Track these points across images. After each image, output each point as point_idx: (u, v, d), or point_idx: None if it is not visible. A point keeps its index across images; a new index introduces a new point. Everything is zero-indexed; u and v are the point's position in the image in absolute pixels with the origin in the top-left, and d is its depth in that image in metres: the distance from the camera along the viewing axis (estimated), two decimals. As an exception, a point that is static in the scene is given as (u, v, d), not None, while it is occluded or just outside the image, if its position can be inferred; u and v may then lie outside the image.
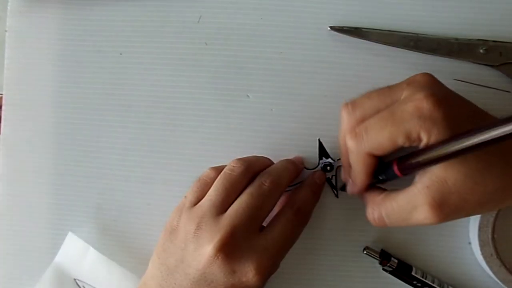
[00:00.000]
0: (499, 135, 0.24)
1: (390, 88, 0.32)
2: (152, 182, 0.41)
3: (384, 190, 0.33)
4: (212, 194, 0.34)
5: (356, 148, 0.31)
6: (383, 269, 0.39)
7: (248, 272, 0.31)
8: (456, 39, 0.39)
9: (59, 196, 0.41)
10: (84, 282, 0.39)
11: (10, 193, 0.42)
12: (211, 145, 0.40)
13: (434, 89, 0.30)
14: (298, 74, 0.40)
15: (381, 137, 0.30)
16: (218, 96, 0.40)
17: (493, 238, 0.37)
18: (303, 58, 0.40)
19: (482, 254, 0.37)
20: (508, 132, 0.24)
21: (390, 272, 0.38)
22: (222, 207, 0.33)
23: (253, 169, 0.35)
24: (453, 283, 0.39)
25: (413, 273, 0.38)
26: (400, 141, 0.29)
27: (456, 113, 0.29)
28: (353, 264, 0.39)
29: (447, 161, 0.28)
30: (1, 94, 0.42)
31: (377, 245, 0.39)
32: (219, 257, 0.31)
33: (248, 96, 0.40)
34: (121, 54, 0.41)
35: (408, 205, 0.30)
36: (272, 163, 0.37)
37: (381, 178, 0.33)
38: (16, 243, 0.41)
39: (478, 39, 0.38)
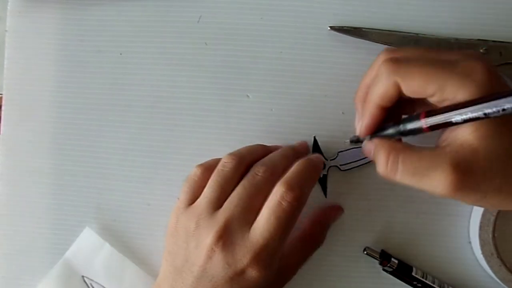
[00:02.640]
0: None
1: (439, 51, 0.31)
2: (152, 182, 0.41)
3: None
4: (208, 192, 0.34)
5: (389, 70, 0.29)
6: (383, 270, 0.38)
7: (245, 264, 0.31)
8: (456, 39, 0.39)
9: (59, 196, 0.41)
10: (92, 279, 0.39)
11: (10, 193, 0.41)
12: (211, 145, 0.40)
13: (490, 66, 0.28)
14: (298, 74, 0.40)
15: (418, 72, 0.28)
16: (218, 96, 0.40)
17: (493, 237, 0.37)
18: (303, 58, 0.40)
19: (483, 253, 0.37)
20: None
21: (390, 273, 0.38)
22: (218, 203, 0.33)
23: (245, 162, 0.35)
24: (453, 283, 0.39)
25: (413, 274, 0.38)
26: (432, 89, 0.28)
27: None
28: (353, 264, 0.39)
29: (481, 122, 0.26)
30: (1, 94, 0.42)
31: (377, 245, 0.39)
32: (216, 251, 0.31)
33: (248, 96, 0.40)
34: (121, 54, 0.41)
35: (429, 161, 0.28)
36: (267, 149, 0.37)
37: (401, 129, 0.30)
38: (16, 243, 0.41)
39: (478, 39, 0.38)
